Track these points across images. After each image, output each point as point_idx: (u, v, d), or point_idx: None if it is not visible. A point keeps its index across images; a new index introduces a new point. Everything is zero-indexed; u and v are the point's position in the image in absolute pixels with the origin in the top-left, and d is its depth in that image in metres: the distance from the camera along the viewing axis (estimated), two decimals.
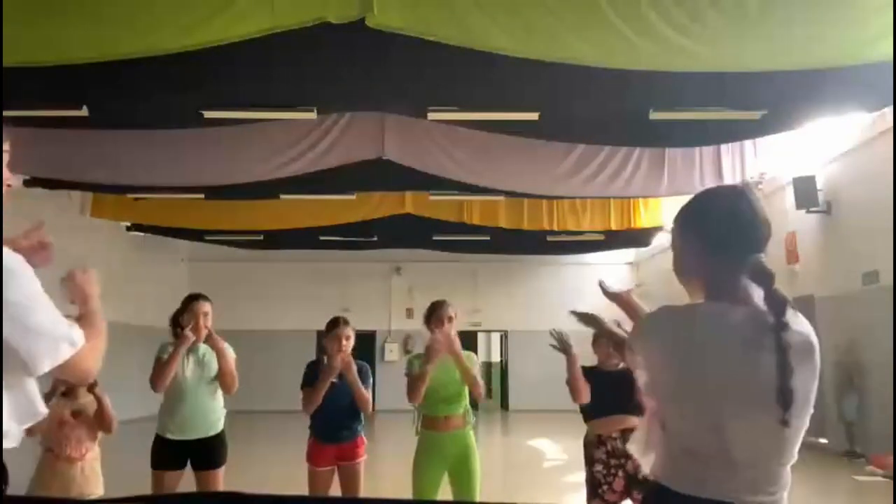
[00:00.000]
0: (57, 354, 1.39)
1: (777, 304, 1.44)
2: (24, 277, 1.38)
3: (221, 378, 3.97)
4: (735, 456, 1.42)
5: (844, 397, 8.73)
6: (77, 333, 1.43)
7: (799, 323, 1.48)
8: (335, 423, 4.01)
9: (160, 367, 3.87)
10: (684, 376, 1.48)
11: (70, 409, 3.70)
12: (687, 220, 1.63)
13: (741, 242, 1.53)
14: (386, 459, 8.37)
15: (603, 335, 1.86)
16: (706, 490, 1.42)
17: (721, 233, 1.55)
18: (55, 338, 1.39)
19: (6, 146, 1.59)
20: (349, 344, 4.13)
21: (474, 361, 3.92)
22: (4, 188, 1.57)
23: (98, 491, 3.66)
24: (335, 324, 4.17)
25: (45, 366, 1.38)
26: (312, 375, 4.06)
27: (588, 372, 3.70)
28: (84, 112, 6.84)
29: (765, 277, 1.47)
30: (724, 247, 1.54)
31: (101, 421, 3.72)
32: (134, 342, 13.62)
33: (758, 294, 1.48)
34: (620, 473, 3.53)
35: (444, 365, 3.83)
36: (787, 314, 1.43)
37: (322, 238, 13.36)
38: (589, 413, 3.72)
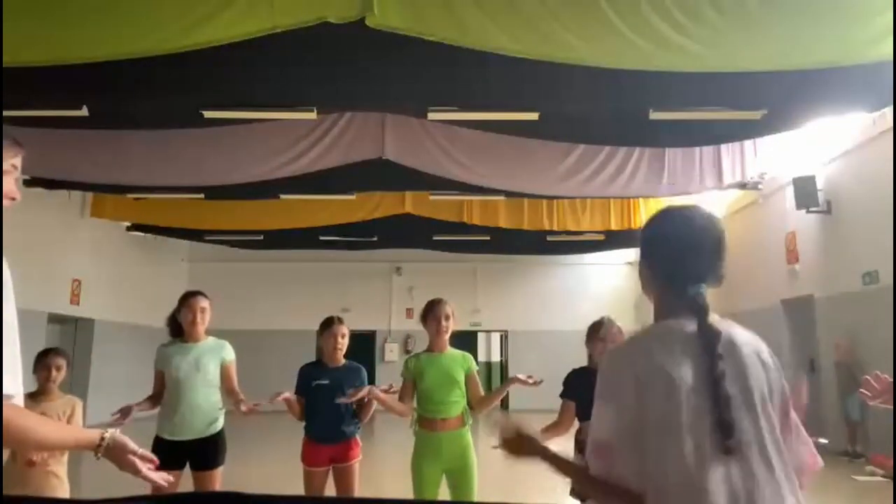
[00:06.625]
0: None
1: (707, 338, 1.45)
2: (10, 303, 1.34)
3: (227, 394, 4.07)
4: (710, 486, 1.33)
5: (848, 397, 8.71)
6: (15, 385, 1.33)
7: (743, 339, 1.50)
8: (330, 424, 4.01)
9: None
10: (657, 409, 1.39)
11: (36, 412, 3.61)
12: (640, 242, 1.66)
13: (686, 266, 1.54)
14: (385, 460, 8.37)
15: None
16: None
17: (665, 258, 1.58)
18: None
19: (17, 162, 1.55)
20: (344, 342, 4.14)
21: (471, 361, 3.94)
22: (6, 202, 1.53)
23: (62, 496, 3.56)
24: (329, 323, 4.18)
25: None
26: (303, 381, 4.09)
27: (581, 372, 3.73)
28: (84, 112, 6.84)
29: (698, 312, 1.48)
30: (669, 270, 1.56)
31: None
32: (134, 342, 13.65)
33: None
34: None
35: (441, 369, 3.84)
36: (718, 348, 1.43)
37: (322, 238, 13.36)
38: (583, 413, 3.67)
